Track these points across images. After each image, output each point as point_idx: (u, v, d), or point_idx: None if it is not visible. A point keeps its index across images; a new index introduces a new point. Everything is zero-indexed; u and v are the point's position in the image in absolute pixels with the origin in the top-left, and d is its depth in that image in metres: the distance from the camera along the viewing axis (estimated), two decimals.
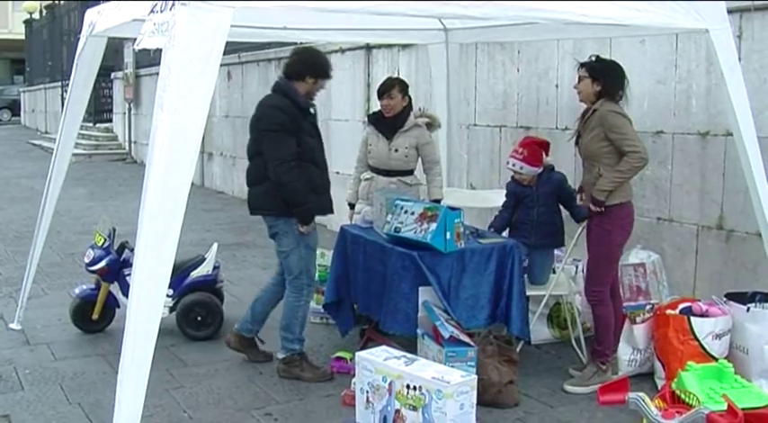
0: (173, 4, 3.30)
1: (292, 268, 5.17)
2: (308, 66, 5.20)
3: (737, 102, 4.63)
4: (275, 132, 4.97)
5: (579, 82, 5.05)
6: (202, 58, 3.22)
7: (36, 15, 32.29)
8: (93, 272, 6.03)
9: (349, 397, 4.63)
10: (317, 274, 6.29)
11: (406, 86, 6.12)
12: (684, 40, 5.80)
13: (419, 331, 4.94)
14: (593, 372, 5.06)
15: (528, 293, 5.40)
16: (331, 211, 5.28)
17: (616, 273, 5.21)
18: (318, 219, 5.12)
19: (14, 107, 38.25)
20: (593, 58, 5.08)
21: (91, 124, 22.18)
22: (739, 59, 4.88)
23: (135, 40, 3.67)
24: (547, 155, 5.60)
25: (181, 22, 3.24)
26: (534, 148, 5.53)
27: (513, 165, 5.56)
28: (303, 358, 5.24)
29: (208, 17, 3.28)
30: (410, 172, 6.13)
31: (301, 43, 10.64)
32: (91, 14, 5.48)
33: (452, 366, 4.26)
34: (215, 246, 6.36)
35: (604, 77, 4.94)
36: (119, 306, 6.00)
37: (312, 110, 5.21)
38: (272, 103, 5.14)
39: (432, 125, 6.32)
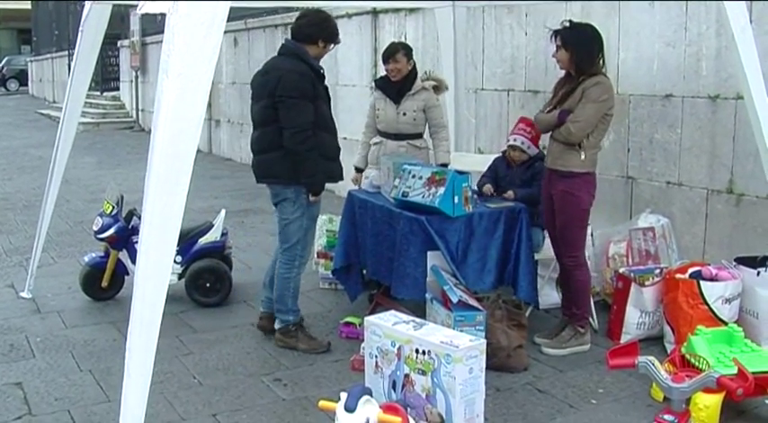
0: None
1: (290, 236, 5.01)
2: (322, 29, 5.00)
3: (748, 64, 4.57)
4: (295, 99, 4.76)
5: (557, 51, 4.90)
6: (207, 21, 3.17)
7: None
8: (101, 240, 6.05)
9: (358, 362, 4.64)
10: (324, 241, 6.31)
11: (411, 50, 6.11)
12: (694, 3, 5.72)
13: (428, 296, 4.94)
14: (572, 334, 5.07)
15: (537, 258, 5.40)
16: (341, 178, 5.15)
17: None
18: (328, 184, 5.07)
19: (22, 77, 38.33)
20: (567, 24, 4.93)
21: (98, 93, 22.19)
22: (750, 22, 4.81)
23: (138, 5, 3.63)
24: (539, 138, 5.65)
25: None
26: (538, 130, 5.56)
27: (522, 143, 5.56)
28: (299, 328, 5.14)
29: None
30: (419, 135, 6.13)
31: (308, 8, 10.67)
32: None
33: (461, 331, 4.26)
34: (223, 212, 6.36)
35: (577, 46, 4.82)
36: (128, 273, 6.02)
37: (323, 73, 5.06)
38: (289, 67, 4.87)
39: (438, 88, 6.32)
